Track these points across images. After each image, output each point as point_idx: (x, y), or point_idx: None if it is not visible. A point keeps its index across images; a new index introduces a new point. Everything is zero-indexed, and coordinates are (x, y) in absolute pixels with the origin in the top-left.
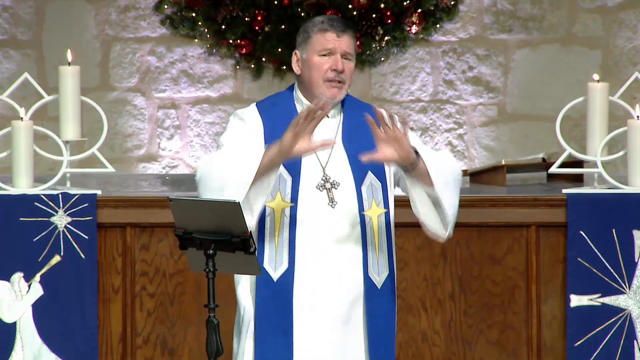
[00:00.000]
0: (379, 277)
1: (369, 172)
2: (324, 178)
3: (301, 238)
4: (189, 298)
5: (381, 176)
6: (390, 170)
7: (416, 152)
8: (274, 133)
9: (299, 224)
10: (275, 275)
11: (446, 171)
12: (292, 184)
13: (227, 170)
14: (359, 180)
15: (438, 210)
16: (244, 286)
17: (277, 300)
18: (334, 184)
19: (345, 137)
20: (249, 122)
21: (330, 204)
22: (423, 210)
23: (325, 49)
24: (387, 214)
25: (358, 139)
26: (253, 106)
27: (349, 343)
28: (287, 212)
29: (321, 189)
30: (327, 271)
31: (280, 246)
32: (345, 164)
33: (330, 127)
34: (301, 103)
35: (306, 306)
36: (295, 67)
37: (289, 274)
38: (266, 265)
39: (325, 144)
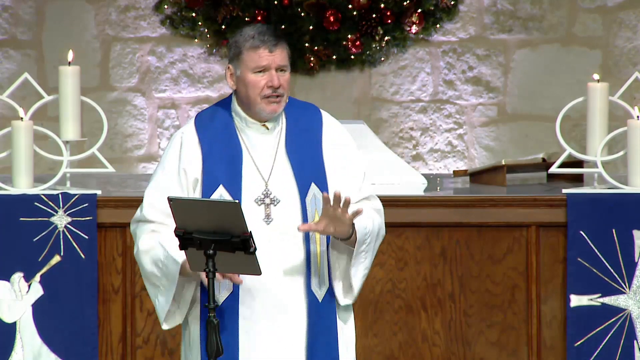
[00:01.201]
0: (320, 291)
1: (312, 184)
2: (264, 192)
3: None
4: None
5: (324, 187)
6: (334, 182)
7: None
8: (211, 149)
9: None
10: (220, 298)
11: (377, 238)
12: None
13: (150, 285)
14: (303, 193)
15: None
16: (194, 312)
17: (221, 322)
18: (274, 200)
19: (288, 147)
20: (185, 153)
21: (266, 219)
22: (336, 267)
23: (259, 66)
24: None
25: (301, 148)
26: (191, 125)
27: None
28: None
29: (259, 203)
30: (269, 292)
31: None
32: (288, 176)
33: (272, 137)
34: (239, 116)
35: (250, 327)
36: (230, 81)
37: (233, 297)
38: None
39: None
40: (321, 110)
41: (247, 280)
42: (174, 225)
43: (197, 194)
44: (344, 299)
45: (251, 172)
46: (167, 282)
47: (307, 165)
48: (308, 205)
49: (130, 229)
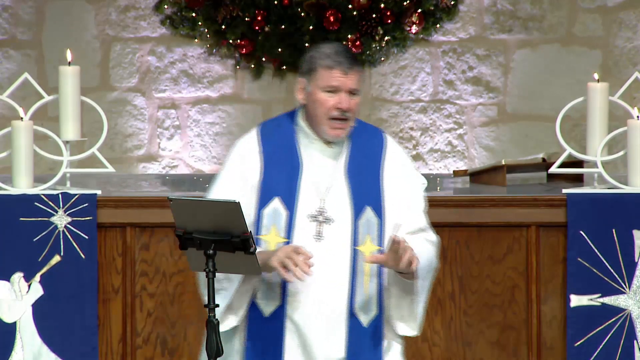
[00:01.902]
0: (366, 315)
1: (368, 207)
2: (318, 210)
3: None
4: (189, 298)
5: (379, 212)
6: (391, 209)
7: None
8: (271, 160)
9: None
10: (267, 310)
11: (430, 271)
12: (287, 219)
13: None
14: (357, 214)
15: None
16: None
17: (266, 335)
18: (328, 220)
19: (349, 167)
20: (246, 161)
21: (316, 237)
22: (399, 305)
23: (331, 86)
24: (379, 252)
25: (361, 170)
26: (254, 133)
27: None
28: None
29: (311, 219)
30: (315, 308)
31: (274, 282)
32: (344, 197)
33: (333, 156)
34: (303, 131)
35: (294, 343)
36: (299, 95)
37: (280, 310)
38: (259, 299)
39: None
40: (386, 136)
41: (295, 293)
42: None
43: (253, 203)
44: (405, 329)
45: (308, 188)
46: (228, 283)
47: (365, 188)
48: (360, 227)
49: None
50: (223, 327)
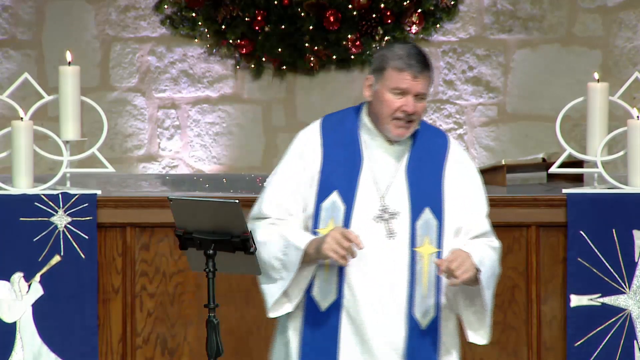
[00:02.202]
0: (424, 318)
1: (427, 209)
2: (382, 209)
3: (352, 269)
4: (189, 298)
5: (438, 214)
6: (451, 211)
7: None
8: (332, 153)
9: (365, 261)
10: (324, 304)
11: (492, 277)
12: (344, 213)
13: (264, 275)
14: (415, 215)
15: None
16: (294, 324)
17: (323, 329)
18: (393, 215)
19: (410, 166)
20: (307, 152)
21: (389, 235)
22: (467, 314)
23: (399, 88)
24: (438, 255)
25: (422, 171)
26: (317, 125)
27: None
28: None
29: (378, 220)
30: (374, 305)
31: (331, 275)
32: (404, 195)
33: (395, 155)
34: (366, 127)
35: (351, 338)
36: (366, 91)
37: (336, 305)
38: (315, 293)
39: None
40: (449, 138)
41: (353, 289)
42: (293, 220)
43: (312, 195)
44: (475, 338)
45: (368, 184)
46: (286, 272)
47: (425, 189)
48: (418, 228)
49: (248, 224)
50: (278, 313)
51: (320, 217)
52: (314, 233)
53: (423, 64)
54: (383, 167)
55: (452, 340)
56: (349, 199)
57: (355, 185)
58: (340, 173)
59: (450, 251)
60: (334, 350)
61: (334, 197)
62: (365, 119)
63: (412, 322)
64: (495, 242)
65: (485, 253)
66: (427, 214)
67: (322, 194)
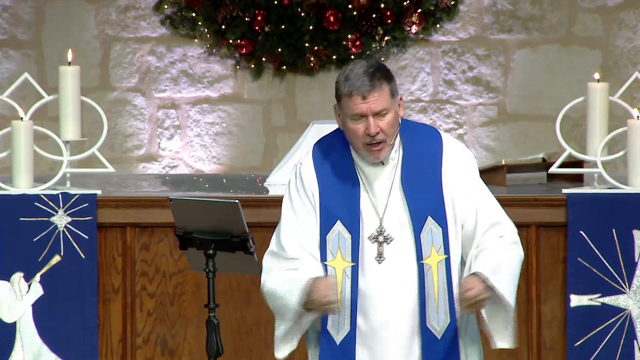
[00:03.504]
0: (439, 327)
1: (429, 218)
2: (378, 230)
3: (360, 295)
4: (189, 298)
5: (441, 220)
6: (453, 213)
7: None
8: (328, 183)
9: (360, 282)
10: (338, 338)
11: (512, 280)
12: (352, 242)
13: (275, 310)
14: (417, 228)
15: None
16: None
17: (340, 356)
18: (387, 239)
19: (404, 180)
20: (305, 184)
21: (378, 258)
22: (488, 319)
23: (355, 114)
24: (447, 260)
25: (418, 179)
26: (309, 157)
27: None
28: (348, 271)
29: (372, 241)
30: (385, 329)
31: (343, 308)
32: (403, 211)
33: (388, 171)
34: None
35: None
36: (338, 120)
37: (351, 337)
38: (329, 328)
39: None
40: (442, 134)
41: (363, 317)
42: (309, 259)
43: (317, 225)
44: (499, 342)
45: (367, 208)
46: (282, 320)
47: (424, 198)
48: (423, 240)
49: (263, 261)
50: (279, 355)
51: (327, 250)
52: (324, 265)
53: (369, 82)
54: (379, 187)
55: (472, 347)
56: (353, 227)
57: (358, 212)
58: (340, 202)
59: (462, 283)
60: None
61: (339, 228)
62: None
63: (426, 335)
64: (510, 234)
65: (499, 257)
66: (430, 224)
67: (325, 225)
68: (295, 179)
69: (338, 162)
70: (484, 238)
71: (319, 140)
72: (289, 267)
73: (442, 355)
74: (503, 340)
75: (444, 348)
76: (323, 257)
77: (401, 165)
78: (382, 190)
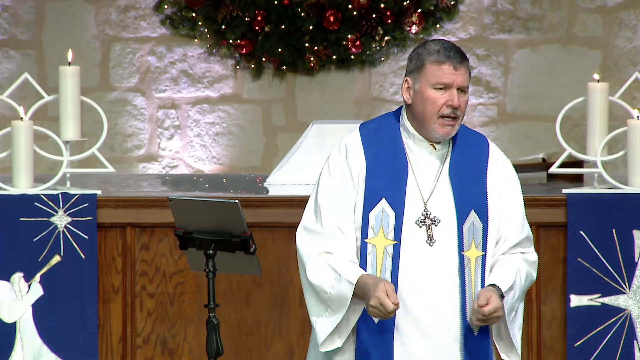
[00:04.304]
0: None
1: (472, 211)
2: (424, 213)
3: (402, 278)
4: (189, 298)
5: (484, 217)
6: (496, 213)
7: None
8: (376, 161)
9: (401, 262)
10: (376, 320)
11: (519, 299)
12: (395, 220)
13: (314, 307)
14: (461, 219)
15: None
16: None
17: (377, 342)
18: (434, 221)
19: (452, 170)
20: (350, 160)
21: (429, 241)
22: (497, 333)
23: (441, 82)
24: (483, 257)
25: (465, 174)
26: (356, 133)
27: None
28: (390, 250)
29: (420, 225)
30: (426, 314)
31: None
32: (449, 200)
33: (438, 158)
34: (407, 131)
35: (405, 350)
36: (406, 95)
37: (390, 321)
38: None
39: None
40: (489, 142)
41: (404, 299)
42: (345, 240)
43: (359, 204)
44: (507, 356)
45: (412, 189)
46: (336, 306)
47: (469, 192)
48: (465, 232)
49: (297, 237)
50: (328, 348)
51: (369, 227)
52: (363, 243)
53: (461, 55)
54: (426, 172)
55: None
56: (398, 206)
57: (404, 192)
58: (386, 180)
59: (480, 295)
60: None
61: (383, 205)
62: (406, 123)
63: (466, 327)
64: (530, 255)
65: (518, 276)
66: (473, 217)
67: (369, 202)
68: (339, 155)
69: (387, 141)
70: (508, 252)
71: (364, 123)
72: (328, 249)
73: (479, 351)
74: (508, 353)
75: (480, 344)
76: (364, 234)
77: (450, 157)
78: (429, 175)
